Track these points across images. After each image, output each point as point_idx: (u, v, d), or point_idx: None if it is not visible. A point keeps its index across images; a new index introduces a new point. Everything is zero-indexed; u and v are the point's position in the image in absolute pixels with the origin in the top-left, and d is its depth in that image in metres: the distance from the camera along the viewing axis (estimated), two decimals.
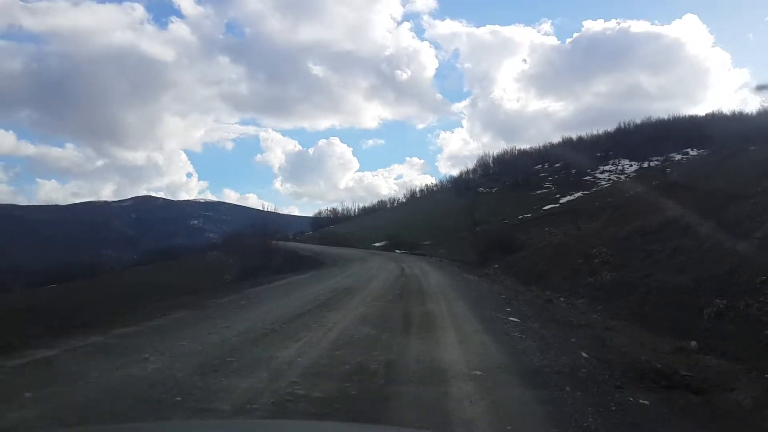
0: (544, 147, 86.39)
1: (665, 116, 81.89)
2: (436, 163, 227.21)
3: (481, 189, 73.37)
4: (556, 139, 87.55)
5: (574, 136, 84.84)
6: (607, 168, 67.19)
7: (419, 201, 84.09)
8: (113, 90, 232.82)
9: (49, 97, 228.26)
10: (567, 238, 23.08)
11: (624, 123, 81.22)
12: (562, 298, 13.22)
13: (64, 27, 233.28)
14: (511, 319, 10.13)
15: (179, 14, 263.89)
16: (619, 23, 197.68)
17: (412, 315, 10.21)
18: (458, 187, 76.73)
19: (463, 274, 21.22)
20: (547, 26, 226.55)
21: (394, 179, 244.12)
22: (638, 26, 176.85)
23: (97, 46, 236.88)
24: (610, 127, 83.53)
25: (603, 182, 62.51)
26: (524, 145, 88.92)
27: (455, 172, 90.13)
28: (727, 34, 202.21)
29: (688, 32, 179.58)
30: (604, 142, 78.54)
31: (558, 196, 60.14)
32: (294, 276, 22.45)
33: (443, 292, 14.69)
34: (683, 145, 67.89)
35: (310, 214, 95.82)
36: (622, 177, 63.39)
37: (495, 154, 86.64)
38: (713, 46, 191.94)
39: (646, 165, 63.46)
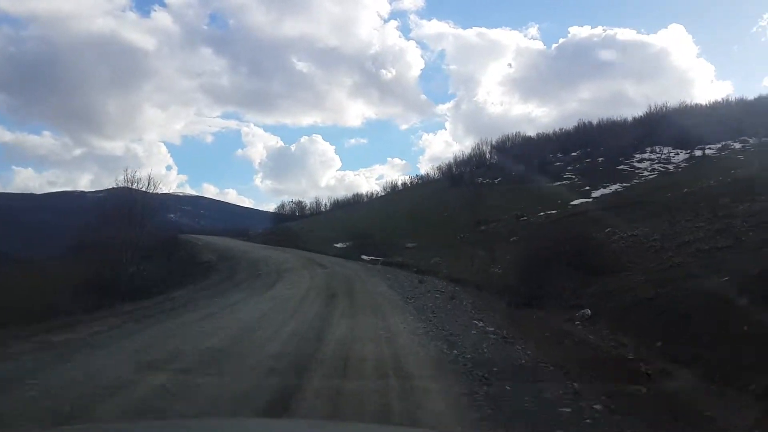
0: (555, 134, 70.42)
1: (702, 102, 66.67)
2: (417, 165, 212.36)
3: (480, 180, 57.06)
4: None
5: (594, 121, 68.84)
6: (645, 156, 51.34)
7: (402, 194, 67.55)
8: (93, 78, 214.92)
9: (26, 83, 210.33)
10: None
11: (653, 108, 65.72)
12: None
13: (44, 10, 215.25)
14: None
15: (162, 2, 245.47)
16: (605, 30, 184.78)
17: None
18: (451, 178, 60.31)
19: None
20: (534, 30, 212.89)
21: (376, 179, 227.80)
22: (624, 34, 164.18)
23: (78, 32, 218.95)
24: (637, 113, 68.07)
25: (645, 172, 46.57)
26: (530, 132, 73.21)
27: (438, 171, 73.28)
28: (713, 45, 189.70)
29: (674, 42, 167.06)
30: (630, 129, 62.67)
31: (588, 188, 44.13)
32: None
33: None
34: (735, 132, 52.35)
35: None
36: (670, 167, 47.52)
37: (493, 141, 70.14)
38: (698, 57, 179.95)
39: (699, 153, 47.80)
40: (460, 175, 58.70)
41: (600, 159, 53.41)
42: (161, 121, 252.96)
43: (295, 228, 50.74)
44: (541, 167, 54.61)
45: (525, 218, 35.13)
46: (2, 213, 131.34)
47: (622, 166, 48.88)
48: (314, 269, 21.71)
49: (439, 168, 68.69)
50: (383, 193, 74.93)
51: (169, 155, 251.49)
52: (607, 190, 42.80)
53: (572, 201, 40.25)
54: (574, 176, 50.28)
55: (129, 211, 22.26)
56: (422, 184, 71.89)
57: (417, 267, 23.70)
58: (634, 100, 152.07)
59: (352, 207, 68.64)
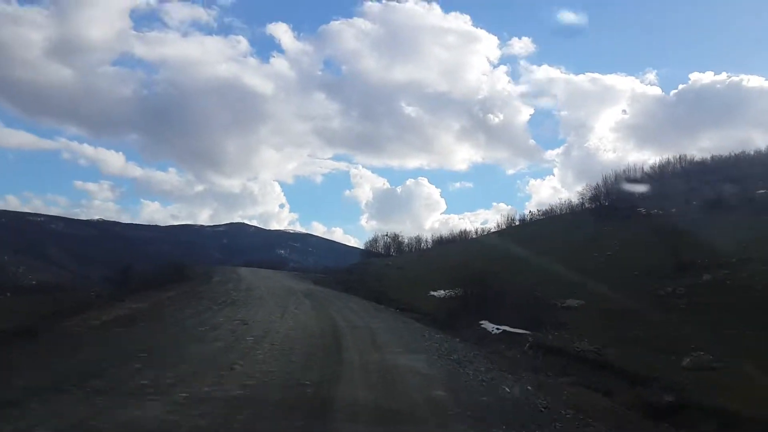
0: (731, 158, 50.73)
1: None
2: (524, 211, 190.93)
3: (642, 210, 38.91)
4: None
5: None
6: None
7: (524, 230, 50.33)
8: (215, 119, 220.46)
9: (156, 123, 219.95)
10: None
11: None
12: None
13: (173, 56, 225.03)
14: None
15: (280, 49, 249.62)
16: (729, 77, 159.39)
17: None
18: (598, 208, 42.70)
19: None
20: (651, 76, 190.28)
21: (480, 224, 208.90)
22: (752, 81, 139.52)
23: (203, 76, 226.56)
24: None
25: None
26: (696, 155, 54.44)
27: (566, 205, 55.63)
28: None
29: None
30: None
31: None
32: None
33: None
34: None
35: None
36: None
37: (644, 168, 51.88)
38: None
39: None
40: (612, 205, 40.81)
41: None
42: (276, 161, 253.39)
43: (378, 265, 35.52)
44: (742, 195, 35.78)
45: None
46: (130, 241, 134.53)
47: None
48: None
49: (581, 195, 50.68)
50: (496, 229, 57.92)
51: (282, 194, 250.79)
52: None
53: None
54: None
55: None
56: (548, 219, 54.07)
57: (677, 384, 7.23)
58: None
59: (458, 244, 52.40)
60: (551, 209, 57.20)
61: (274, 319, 14.17)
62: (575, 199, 54.59)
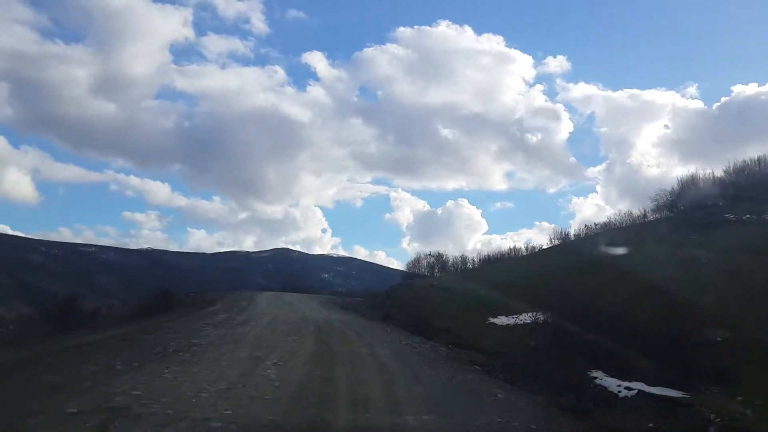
0: None
1: None
2: (567, 230, 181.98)
3: (731, 216, 32.34)
4: None
5: None
6: None
7: (581, 244, 43.77)
8: (255, 148, 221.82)
9: (199, 154, 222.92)
10: None
11: None
12: None
13: (213, 88, 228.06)
14: None
15: (316, 77, 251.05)
16: None
17: None
18: (677, 215, 36.33)
19: None
20: (692, 90, 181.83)
21: (524, 243, 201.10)
22: None
23: (242, 107, 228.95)
24: None
25: None
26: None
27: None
28: None
29: None
30: None
31: None
32: None
33: None
34: None
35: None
36: None
37: (714, 172, 45.08)
38: None
39: None
40: (690, 213, 34.38)
41: None
42: (316, 187, 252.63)
43: (420, 286, 30.09)
44: None
45: None
46: (179, 269, 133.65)
47: None
48: None
49: (654, 201, 44.00)
50: (548, 245, 51.33)
51: (324, 219, 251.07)
52: None
53: None
54: None
55: None
56: (607, 233, 47.16)
57: None
58: None
59: (509, 262, 46.43)
60: (609, 222, 50.52)
61: (211, 396, 7.29)
62: (635, 211, 48.26)
